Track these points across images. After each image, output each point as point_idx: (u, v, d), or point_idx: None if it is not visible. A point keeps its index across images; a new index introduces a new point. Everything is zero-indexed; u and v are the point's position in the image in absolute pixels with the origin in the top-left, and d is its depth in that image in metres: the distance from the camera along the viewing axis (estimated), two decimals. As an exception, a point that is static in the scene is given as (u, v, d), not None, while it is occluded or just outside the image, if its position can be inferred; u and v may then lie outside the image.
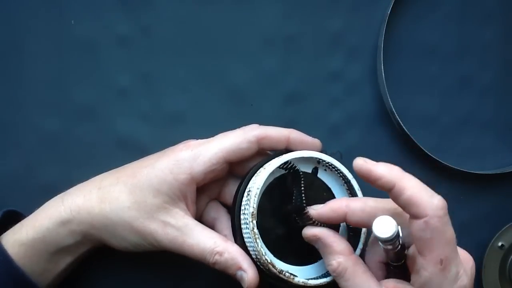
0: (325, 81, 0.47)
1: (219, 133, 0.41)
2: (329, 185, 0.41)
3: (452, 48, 0.49)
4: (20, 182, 0.45)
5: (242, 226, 0.38)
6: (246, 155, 0.40)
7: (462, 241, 0.48)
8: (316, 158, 0.39)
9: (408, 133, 0.46)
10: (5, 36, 0.45)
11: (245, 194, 0.39)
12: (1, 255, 0.38)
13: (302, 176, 0.39)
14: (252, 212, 0.37)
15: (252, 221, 0.37)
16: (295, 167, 0.39)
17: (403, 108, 0.47)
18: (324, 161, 0.39)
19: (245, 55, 0.47)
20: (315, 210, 0.37)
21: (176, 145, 0.41)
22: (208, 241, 0.39)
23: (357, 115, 0.48)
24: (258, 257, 0.38)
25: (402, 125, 0.46)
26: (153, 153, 0.42)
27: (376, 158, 0.48)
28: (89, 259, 0.43)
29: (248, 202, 0.38)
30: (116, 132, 0.46)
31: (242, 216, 0.38)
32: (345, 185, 0.40)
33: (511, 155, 0.49)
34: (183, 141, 0.43)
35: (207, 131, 0.41)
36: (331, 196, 0.40)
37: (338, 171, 0.40)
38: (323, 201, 0.38)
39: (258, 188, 0.37)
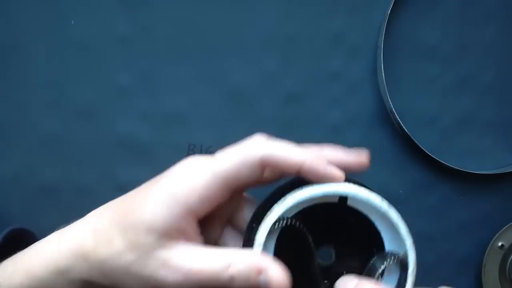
0: (325, 81, 0.47)
1: (219, 133, 0.40)
2: (366, 213, 0.33)
3: (452, 48, 0.49)
4: (20, 182, 0.45)
5: None
6: (248, 182, 0.34)
7: (462, 241, 0.49)
8: (339, 194, 0.33)
9: (408, 133, 0.46)
10: (5, 36, 0.45)
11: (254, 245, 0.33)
12: None
13: (310, 241, 0.33)
14: None
15: None
16: (300, 226, 0.33)
17: (403, 108, 0.47)
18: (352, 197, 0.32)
19: (245, 55, 0.47)
20: None
21: (170, 170, 0.36)
22: (216, 263, 0.33)
23: (357, 115, 0.48)
24: None
25: (402, 125, 0.46)
26: (153, 153, 0.42)
27: (376, 158, 0.48)
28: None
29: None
30: (116, 132, 0.46)
31: None
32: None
33: (511, 155, 0.49)
34: (182, 141, 0.42)
35: (207, 131, 0.41)
36: (369, 230, 0.34)
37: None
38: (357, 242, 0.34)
39: (259, 246, 0.33)
